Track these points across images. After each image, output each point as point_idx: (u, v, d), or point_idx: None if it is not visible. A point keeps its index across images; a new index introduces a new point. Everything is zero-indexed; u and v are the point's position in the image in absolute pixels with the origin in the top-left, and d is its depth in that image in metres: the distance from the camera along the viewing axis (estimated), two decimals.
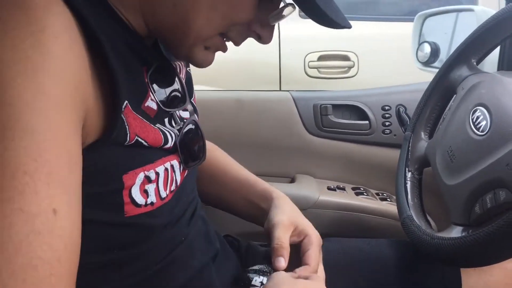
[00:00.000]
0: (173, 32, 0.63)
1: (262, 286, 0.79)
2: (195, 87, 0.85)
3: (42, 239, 0.42)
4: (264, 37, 0.67)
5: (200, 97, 0.95)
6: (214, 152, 0.98)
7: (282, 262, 0.73)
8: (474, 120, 0.80)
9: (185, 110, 0.74)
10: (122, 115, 0.55)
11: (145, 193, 0.60)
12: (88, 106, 0.51)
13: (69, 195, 0.47)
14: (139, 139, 0.58)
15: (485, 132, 0.76)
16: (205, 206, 0.88)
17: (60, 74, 0.46)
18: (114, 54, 0.55)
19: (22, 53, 0.44)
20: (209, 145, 0.97)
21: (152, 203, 0.62)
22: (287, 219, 0.79)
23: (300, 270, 0.73)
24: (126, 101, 0.56)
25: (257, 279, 0.80)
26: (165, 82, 0.70)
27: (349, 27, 0.67)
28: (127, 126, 0.56)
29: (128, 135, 0.56)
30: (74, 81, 0.48)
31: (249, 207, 0.86)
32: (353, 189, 1.40)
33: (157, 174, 0.62)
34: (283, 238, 0.75)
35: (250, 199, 0.88)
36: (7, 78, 0.43)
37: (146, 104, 0.63)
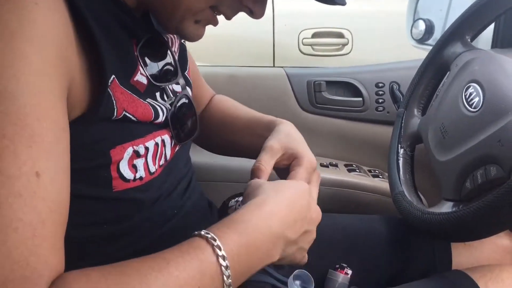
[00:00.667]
0: (163, 4, 0.62)
1: (239, 201, 0.76)
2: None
3: (23, 202, 0.42)
4: (256, 12, 0.66)
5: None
6: (223, 102, 0.98)
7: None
8: (467, 96, 0.80)
9: (177, 84, 0.74)
10: (108, 90, 0.54)
11: (133, 168, 0.60)
12: (73, 77, 0.51)
13: (54, 160, 0.46)
14: (127, 114, 0.58)
15: (477, 109, 0.77)
16: (205, 183, 0.88)
17: (40, 40, 0.46)
18: (100, 26, 0.54)
19: (0, 18, 0.44)
20: (219, 97, 1.00)
21: (141, 178, 0.61)
22: (278, 143, 0.75)
23: None
24: (113, 76, 0.56)
25: (232, 201, 0.78)
26: (157, 55, 0.69)
27: (344, 4, 0.66)
28: (114, 101, 0.55)
29: (116, 109, 0.56)
30: (56, 49, 0.48)
31: (256, 142, 0.80)
32: (345, 165, 1.41)
33: (147, 148, 0.62)
34: (264, 160, 0.72)
35: (258, 132, 0.84)
36: None
37: (135, 79, 0.62)
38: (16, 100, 0.43)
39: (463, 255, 0.87)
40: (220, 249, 0.50)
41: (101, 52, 0.53)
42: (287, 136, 0.77)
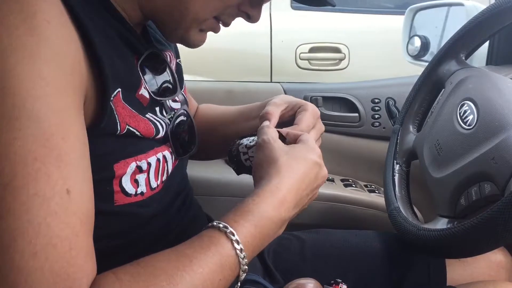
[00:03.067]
0: (171, 14, 0.64)
1: (251, 148, 0.75)
2: (186, 77, 0.85)
3: (58, 219, 0.45)
4: (253, 16, 0.68)
5: (191, 87, 0.95)
6: (208, 107, 1.00)
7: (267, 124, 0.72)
8: (461, 114, 0.81)
9: (176, 101, 0.75)
10: (111, 104, 0.55)
11: (135, 182, 0.61)
12: (86, 90, 0.52)
13: (81, 174, 0.49)
14: (131, 128, 0.59)
15: (472, 126, 0.77)
16: (203, 197, 0.88)
17: (55, 59, 0.48)
18: (104, 42, 0.55)
19: (18, 40, 0.46)
20: (203, 105, 1.01)
21: (142, 193, 0.62)
22: (279, 99, 0.78)
23: (287, 128, 0.72)
24: (118, 89, 0.57)
25: (242, 145, 0.76)
26: (157, 70, 0.70)
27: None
28: (116, 115, 0.56)
29: (119, 124, 0.57)
30: (70, 64, 0.49)
31: (254, 125, 0.79)
32: (342, 180, 1.41)
33: (149, 164, 0.62)
34: (271, 108, 0.75)
35: (254, 115, 0.84)
36: (7, 67, 0.45)
37: (140, 92, 0.63)
38: (42, 122, 0.46)
39: (458, 271, 0.87)
40: (238, 243, 0.55)
41: (103, 66, 0.54)
42: (287, 96, 0.80)
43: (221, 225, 0.55)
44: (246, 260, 0.56)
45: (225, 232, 0.55)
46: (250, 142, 0.74)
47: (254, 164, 0.67)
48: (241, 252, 0.55)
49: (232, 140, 0.77)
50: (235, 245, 0.55)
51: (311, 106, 0.77)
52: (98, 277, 0.49)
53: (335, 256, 0.91)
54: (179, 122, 0.73)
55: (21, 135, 0.44)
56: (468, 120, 0.79)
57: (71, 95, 0.49)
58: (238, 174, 0.78)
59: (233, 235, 0.55)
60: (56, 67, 0.47)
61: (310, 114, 0.75)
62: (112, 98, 0.56)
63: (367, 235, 0.96)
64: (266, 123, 0.72)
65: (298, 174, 0.63)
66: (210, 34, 1.00)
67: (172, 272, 0.50)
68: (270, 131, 0.68)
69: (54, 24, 0.48)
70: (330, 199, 1.30)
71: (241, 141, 0.76)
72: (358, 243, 0.94)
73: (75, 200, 0.47)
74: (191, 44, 0.69)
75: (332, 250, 0.92)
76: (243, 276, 0.57)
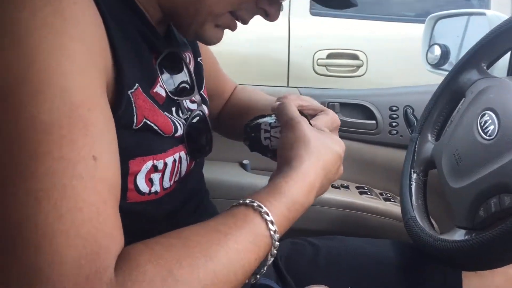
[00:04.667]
0: (186, 9, 0.64)
1: (274, 128, 0.74)
2: None
3: (85, 184, 0.44)
4: (271, 14, 0.68)
5: None
6: (243, 92, 1.02)
7: None
8: (482, 124, 0.80)
9: (193, 102, 0.75)
10: (129, 94, 0.55)
11: (150, 181, 0.61)
12: (108, 73, 0.52)
13: (107, 145, 0.48)
14: (149, 122, 0.59)
15: (492, 137, 0.76)
16: (218, 200, 0.88)
17: (81, 37, 0.48)
18: (123, 35, 0.56)
19: (42, 21, 0.45)
20: (240, 87, 1.05)
21: (156, 192, 0.62)
22: (307, 97, 0.78)
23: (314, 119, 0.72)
24: (137, 84, 0.57)
25: (266, 119, 0.75)
26: (174, 69, 0.71)
27: (356, 4, 0.71)
28: (134, 108, 0.56)
29: (135, 116, 0.57)
30: (95, 45, 0.50)
31: None
32: (357, 188, 1.41)
33: (165, 164, 0.62)
34: (291, 95, 0.74)
35: None
36: (33, 45, 0.45)
37: (155, 90, 0.63)
38: (67, 96, 0.45)
39: (474, 284, 0.86)
40: (273, 224, 0.53)
41: (123, 59, 0.54)
42: (311, 98, 0.80)
43: (255, 204, 0.54)
44: (277, 243, 0.54)
45: (260, 212, 0.53)
46: (274, 122, 0.73)
47: (282, 143, 0.65)
48: (275, 233, 0.53)
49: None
50: (270, 225, 0.53)
51: (332, 114, 0.77)
52: (127, 247, 0.47)
53: (349, 264, 0.90)
54: (195, 123, 0.73)
55: (46, 108, 0.44)
56: (489, 131, 0.78)
57: (96, 74, 0.49)
58: (251, 151, 0.77)
59: (268, 215, 0.53)
60: (82, 45, 0.47)
61: (330, 119, 0.75)
62: (133, 90, 0.56)
63: (382, 244, 0.95)
64: (285, 100, 0.71)
65: (325, 161, 0.63)
66: (228, 39, 1.01)
67: (207, 245, 0.48)
68: (294, 109, 0.68)
69: (80, 5, 0.48)
70: (345, 206, 1.29)
71: (264, 119, 0.74)
72: (373, 252, 0.93)
73: (102, 168, 0.46)
74: (206, 40, 0.69)
75: (346, 257, 0.91)
76: (270, 260, 0.55)
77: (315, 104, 0.78)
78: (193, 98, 0.75)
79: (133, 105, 0.56)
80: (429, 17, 1.60)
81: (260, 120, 0.74)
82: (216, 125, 1.05)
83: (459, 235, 0.77)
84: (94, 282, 0.41)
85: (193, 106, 0.75)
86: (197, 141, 0.73)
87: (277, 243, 0.54)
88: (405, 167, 0.99)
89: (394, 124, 1.40)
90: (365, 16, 2.93)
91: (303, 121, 0.66)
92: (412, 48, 1.99)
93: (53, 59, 0.45)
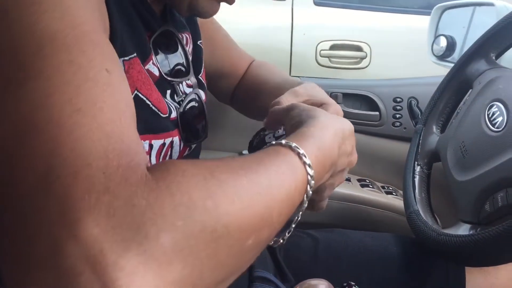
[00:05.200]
0: None
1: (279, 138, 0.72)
2: None
3: (100, 88, 0.39)
4: None
5: None
6: (258, 69, 1.00)
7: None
8: (490, 115, 0.78)
9: (189, 86, 0.73)
10: (121, 61, 0.53)
11: None
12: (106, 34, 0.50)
13: (117, 63, 0.44)
14: (140, 95, 0.56)
15: (501, 129, 0.74)
16: None
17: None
18: (120, 10, 0.54)
19: None
20: (256, 63, 1.02)
21: None
22: (302, 89, 0.73)
23: None
24: (135, 53, 0.55)
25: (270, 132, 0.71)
26: (169, 48, 0.69)
27: None
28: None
29: None
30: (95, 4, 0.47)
31: None
32: (358, 180, 1.38)
33: (151, 146, 0.60)
34: (285, 97, 0.70)
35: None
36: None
37: (146, 67, 0.61)
38: (71, 11, 0.41)
39: (478, 280, 0.84)
40: (306, 157, 0.49)
41: (118, 27, 0.52)
42: (313, 88, 0.75)
43: (283, 141, 0.49)
44: (313, 182, 0.49)
45: (290, 147, 0.49)
46: (277, 132, 0.71)
47: (288, 121, 0.61)
48: (310, 168, 0.49)
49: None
50: (304, 159, 0.48)
51: (333, 107, 0.72)
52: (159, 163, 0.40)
53: (349, 257, 0.88)
54: (189, 107, 0.70)
55: (46, 17, 0.40)
56: (497, 122, 0.75)
57: (98, 15, 0.46)
58: None
59: (299, 149, 0.49)
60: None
61: (333, 111, 0.71)
62: (127, 59, 0.54)
63: (383, 238, 0.93)
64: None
65: (338, 130, 0.58)
66: (231, 29, 0.99)
67: (245, 163, 0.43)
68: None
69: None
70: (345, 199, 1.26)
71: (267, 132, 0.72)
72: (374, 246, 0.90)
73: (117, 81, 0.41)
74: (201, 13, 0.66)
75: (347, 251, 0.89)
76: (305, 204, 0.50)
77: (317, 97, 0.74)
78: (189, 82, 0.72)
79: (124, 71, 0.53)
80: (435, 7, 1.57)
81: (263, 134, 0.72)
82: (233, 102, 1.04)
83: (463, 229, 0.75)
84: (127, 174, 0.35)
85: (189, 90, 0.72)
86: (192, 126, 0.71)
87: (313, 182, 0.49)
88: (408, 159, 0.97)
89: (398, 116, 1.37)
90: (369, 7, 2.90)
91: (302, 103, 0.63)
92: (417, 40, 1.96)
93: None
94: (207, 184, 0.37)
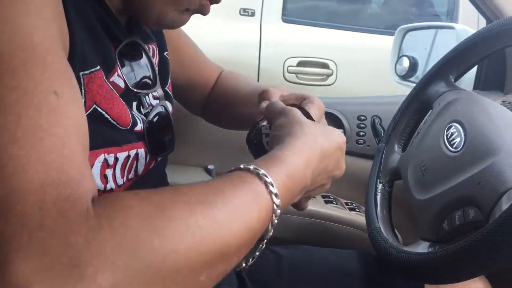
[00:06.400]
0: None
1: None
2: None
3: (44, 116, 0.37)
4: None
5: None
6: (228, 79, 1.00)
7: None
8: (448, 136, 0.80)
9: (156, 98, 0.72)
10: (80, 75, 0.52)
11: (104, 178, 0.58)
12: (65, 50, 0.48)
13: (71, 86, 0.42)
14: (99, 110, 0.55)
15: (458, 149, 0.76)
16: None
17: (40, 8, 0.44)
18: (83, 22, 0.53)
19: None
20: (225, 74, 1.02)
21: (112, 190, 0.59)
22: (285, 86, 0.74)
23: None
24: (99, 66, 0.54)
25: (262, 127, 0.70)
26: (135, 59, 0.68)
27: None
28: (83, 90, 0.52)
29: (84, 100, 0.53)
30: (54, 19, 0.46)
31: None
32: (323, 196, 1.39)
33: (116, 159, 0.59)
34: (272, 88, 0.71)
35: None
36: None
37: (111, 79, 0.60)
38: (23, 32, 0.40)
39: None
40: (273, 186, 0.47)
41: (79, 40, 0.51)
42: (289, 88, 0.76)
43: (251, 167, 0.48)
44: (279, 210, 0.47)
45: (257, 174, 0.47)
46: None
47: (274, 127, 0.61)
48: (276, 197, 0.47)
49: (248, 121, 0.74)
50: (270, 187, 0.46)
51: (316, 100, 0.73)
52: (104, 194, 0.39)
53: (313, 274, 0.89)
54: (156, 118, 0.70)
55: None
56: (455, 143, 0.77)
57: (56, 32, 0.45)
58: (256, 158, 0.74)
59: (267, 177, 0.47)
60: (41, 15, 0.43)
61: (317, 108, 0.71)
62: (87, 73, 0.52)
63: (346, 255, 0.94)
64: (273, 98, 0.69)
65: (322, 147, 0.58)
66: (198, 42, 0.99)
67: (203, 194, 0.42)
68: (282, 103, 0.66)
69: None
70: (309, 215, 1.27)
71: (262, 123, 0.71)
72: (337, 262, 0.91)
73: (65, 105, 0.39)
74: (169, 24, 0.65)
75: (310, 267, 0.90)
76: (271, 232, 0.49)
77: (297, 93, 0.75)
78: (155, 94, 0.72)
79: (83, 87, 0.52)
80: (398, 28, 1.61)
81: (257, 126, 0.71)
82: (204, 113, 1.03)
83: (422, 247, 0.76)
84: (65, 208, 0.34)
85: (155, 102, 0.72)
86: (159, 138, 0.71)
87: (279, 211, 0.48)
88: (371, 177, 0.98)
89: (361, 133, 1.39)
90: (336, 26, 2.96)
91: (295, 110, 0.62)
92: (381, 59, 2.01)
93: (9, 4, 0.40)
94: (154, 222, 0.36)
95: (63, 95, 0.40)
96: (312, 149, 0.56)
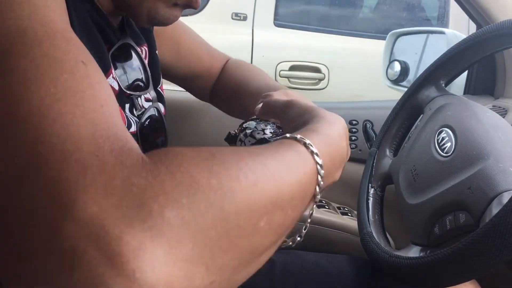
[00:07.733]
0: None
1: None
2: (165, 86, 0.83)
3: (79, 79, 0.38)
4: None
5: (169, 97, 0.93)
6: (235, 70, 0.98)
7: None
8: (439, 141, 0.80)
9: (148, 100, 0.73)
10: None
11: None
12: None
13: (92, 58, 0.42)
14: None
15: (449, 154, 0.76)
16: None
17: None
18: (80, 23, 0.54)
19: None
20: (232, 64, 1.00)
21: None
22: (293, 91, 0.73)
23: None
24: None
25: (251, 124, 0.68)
26: (126, 61, 0.69)
27: None
28: None
29: None
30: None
31: None
32: None
33: None
34: (276, 95, 0.69)
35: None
36: None
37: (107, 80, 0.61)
38: (41, 10, 0.41)
39: None
40: (312, 146, 0.46)
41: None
42: (301, 95, 0.75)
43: (297, 136, 0.46)
44: (323, 171, 0.46)
45: (295, 138, 0.46)
46: (258, 122, 0.68)
47: (286, 120, 0.60)
48: (317, 156, 0.46)
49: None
50: (311, 148, 0.45)
51: (275, 93, 0.72)
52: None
53: (305, 279, 0.89)
54: (148, 120, 0.70)
55: (12, 16, 0.39)
56: (445, 148, 0.78)
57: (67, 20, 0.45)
58: None
59: (304, 139, 0.46)
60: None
61: (280, 95, 0.71)
62: None
63: (339, 260, 0.94)
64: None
65: (337, 127, 0.56)
66: None
67: (248, 148, 0.41)
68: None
69: None
70: (301, 220, 1.27)
71: (248, 123, 0.68)
72: (330, 267, 0.91)
73: (93, 74, 0.40)
74: (161, 21, 0.65)
75: (303, 272, 0.90)
76: (318, 196, 0.48)
77: (300, 104, 0.74)
78: (147, 96, 0.72)
79: None
80: (390, 33, 1.62)
81: (245, 125, 0.69)
82: (212, 101, 1.02)
83: (414, 251, 0.77)
84: (122, 157, 0.33)
85: (148, 104, 0.72)
86: (152, 140, 0.71)
87: (323, 172, 0.46)
88: (362, 181, 0.99)
89: (353, 138, 1.40)
90: (328, 30, 2.97)
91: (297, 97, 0.62)
92: (373, 63, 2.02)
93: None
94: (209, 164, 0.36)
95: (89, 63, 0.40)
96: (340, 122, 0.56)
